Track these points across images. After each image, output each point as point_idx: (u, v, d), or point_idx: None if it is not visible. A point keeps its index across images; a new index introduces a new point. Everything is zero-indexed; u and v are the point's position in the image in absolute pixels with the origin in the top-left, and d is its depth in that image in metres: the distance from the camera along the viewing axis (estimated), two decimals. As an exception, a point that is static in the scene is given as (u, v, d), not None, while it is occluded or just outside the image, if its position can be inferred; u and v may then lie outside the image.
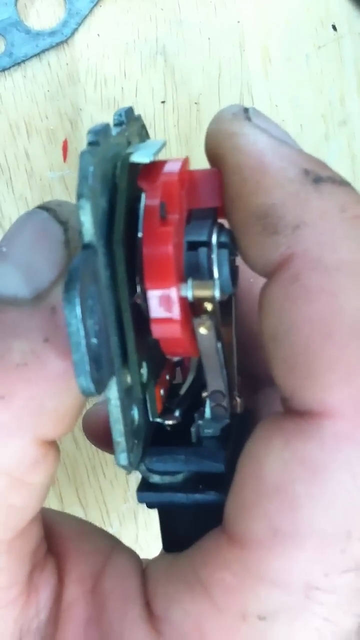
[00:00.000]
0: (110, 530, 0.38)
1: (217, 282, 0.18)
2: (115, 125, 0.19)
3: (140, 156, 0.18)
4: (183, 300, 0.18)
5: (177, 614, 0.18)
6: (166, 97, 0.40)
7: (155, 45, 0.40)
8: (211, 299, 0.18)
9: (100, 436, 0.26)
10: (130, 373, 0.18)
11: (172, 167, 0.19)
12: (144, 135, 0.21)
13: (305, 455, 0.16)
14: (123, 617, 0.19)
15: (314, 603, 0.17)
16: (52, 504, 0.43)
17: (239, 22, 0.40)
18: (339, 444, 0.16)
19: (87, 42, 0.39)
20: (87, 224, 0.16)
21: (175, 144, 0.40)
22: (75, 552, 0.21)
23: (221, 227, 0.19)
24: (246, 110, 0.19)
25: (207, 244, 0.18)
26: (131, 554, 0.21)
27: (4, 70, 0.39)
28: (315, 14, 0.40)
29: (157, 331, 0.18)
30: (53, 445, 0.18)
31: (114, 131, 0.18)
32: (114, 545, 0.22)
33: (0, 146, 0.40)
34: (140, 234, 0.18)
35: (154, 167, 0.19)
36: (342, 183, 0.18)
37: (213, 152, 0.19)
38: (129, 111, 0.20)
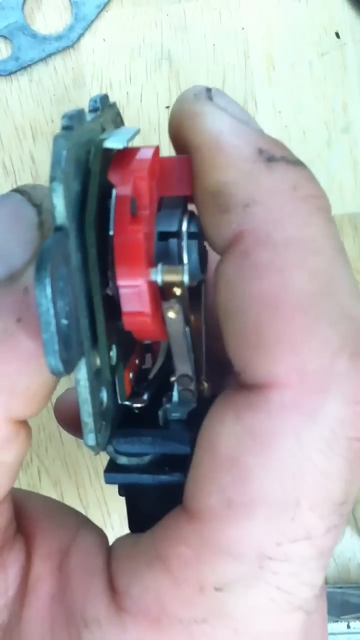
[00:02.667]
0: (111, 532, 0.39)
1: (186, 268, 0.18)
2: (90, 111, 0.19)
3: (114, 142, 0.18)
4: (153, 286, 0.18)
5: (137, 588, 0.18)
6: (171, 101, 0.40)
7: (160, 50, 0.40)
8: (180, 284, 0.18)
9: (71, 421, 0.27)
10: (100, 355, 0.19)
11: (143, 157, 0.19)
12: (118, 122, 0.21)
13: (254, 426, 0.17)
14: (86, 593, 0.19)
15: (268, 572, 0.17)
16: (54, 504, 0.43)
17: (243, 28, 0.40)
18: (285, 413, 0.17)
19: (93, 47, 0.40)
20: (59, 206, 0.17)
21: (179, 149, 0.41)
22: (43, 530, 0.21)
23: (192, 215, 0.19)
24: (209, 90, 0.19)
25: (177, 234, 0.19)
26: (98, 532, 0.21)
27: (10, 74, 0.40)
28: (319, 22, 0.40)
29: (128, 323, 0.19)
30: (24, 424, 0.19)
31: (89, 117, 0.19)
32: (81, 522, 0.22)
33: (6, 149, 0.40)
34: (111, 232, 0.18)
35: (127, 154, 0.19)
36: (297, 163, 0.18)
37: (175, 133, 0.19)
38: (104, 98, 0.20)
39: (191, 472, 0.19)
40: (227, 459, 0.17)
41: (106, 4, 0.39)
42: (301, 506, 0.17)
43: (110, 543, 0.21)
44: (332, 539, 0.18)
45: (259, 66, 0.41)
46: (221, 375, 0.25)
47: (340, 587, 0.44)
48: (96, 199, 0.18)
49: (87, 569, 0.20)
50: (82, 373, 0.18)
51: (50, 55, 0.40)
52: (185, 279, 0.18)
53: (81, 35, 0.40)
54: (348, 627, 0.41)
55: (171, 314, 0.19)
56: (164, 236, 0.19)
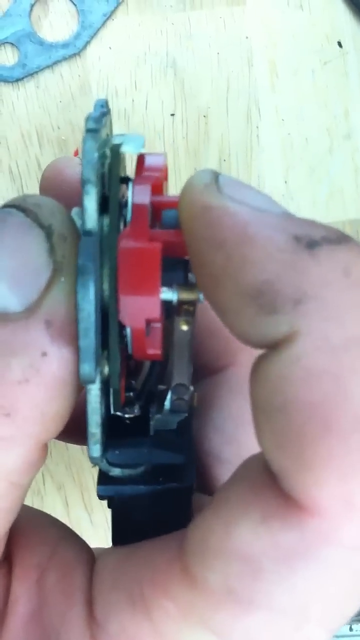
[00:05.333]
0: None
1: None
2: (102, 114, 0.19)
3: (131, 147, 0.18)
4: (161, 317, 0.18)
5: (115, 626, 0.18)
6: (175, 109, 0.41)
7: (165, 58, 0.41)
8: (194, 303, 0.18)
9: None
10: (110, 364, 0.18)
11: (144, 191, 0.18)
12: (111, 127, 0.21)
13: (280, 541, 0.16)
14: (63, 615, 0.19)
15: None
16: (58, 508, 0.43)
17: (247, 37, 0.41)
18: (320, 544, 0.15)
19: (99, 55, 0.40)
20: (91, 210, 0.16)
21: (184, 156, 0.41)
22: (21, 546, 0.20)
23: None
24: (216, 179, 0.17)
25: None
26: (80, 543, 0.21)
27: (17, 80, 0.40)
28: (322, 31, 0.41)
29: (137, 351, 0.18)
30: (46, 445, 0.19)
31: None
32: (61, 535, 0.21)
33: (13, 155, 0.41)
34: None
35: (138, 160, 0.19)
36: (340, 240, 0.16)
37: (189, 228, 0.17)
38: (107, 103, 0.19)
39: (197, 530, 0.17)
40: (240, 551, 0.16)
41: (112, 13, 0.40)
42: (310, 621, 0.16)
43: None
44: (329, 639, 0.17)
45: (263, 74, 0.41)
46: (210, 371, 0.25)
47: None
48: (117, 203, 0.18)
49: (65, 587, 0.19)
50: (96, 382, 0.18)
51: (56, 62, 0.40)
52: (201, 296, 0.18)
53: (87, 42, 0.40)
54: (350, 629, 0.42)
55: (184, 327, 0.19)
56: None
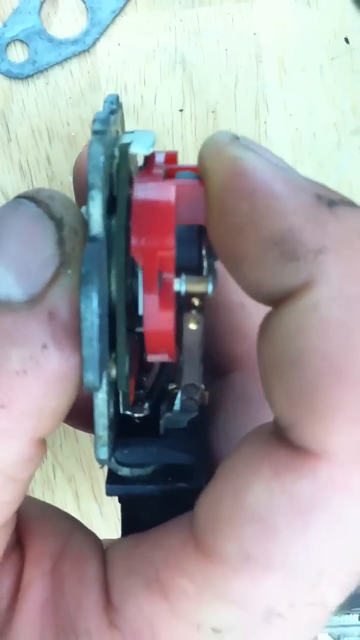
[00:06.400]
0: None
1: (210, 278, 0.18)
2: (110, 113, 0.18)
3: (140, 148, 0.17)
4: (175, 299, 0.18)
5: (132, 609, 0.18)
6: (184, 105, 0.41)
7: (174, 54, 0.41)
8: (203, 295, 0.18)
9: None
10: (117, 367, 0.18)
11: (165, 194, 0.17)
12: (123, 124, 0.20)
13: (294, 492, 0.16)
14: (79, 602, 0.19)
15: (273, 627, 0.17)
16: (69, 500, 0.44)
17: (255, 33, 0.41)
18: (333, 490, 0.16)
19: (108, 51, 0.41)
20: (96, 215, 0.16)
21: (193, 151, 0.41)
22: (34, 534, 0.21)
23: (207, 242, 0.18)
24: (237, 138, 0.18)
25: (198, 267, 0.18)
26: (92, 536, 0.21)
27: (27, 77, 0.40)
28: (329, 27, 0.41)
29: (152, 356, 0.18)
30: (43, 441, 0.18)
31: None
32: (74, 526, 0.21)
33: (23, 150, 0.41)
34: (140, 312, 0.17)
35: (147, 160, 0.18)
36: (353, 204, 0.17)
37: (215, 176, 0.17)
38: (118, 98, 0.19)
39: (208, 505, 0.18)
40: (255, 512, 0.16)
41: (121, 9, 0.40)
42: (324, 578, 0.17)
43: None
44: (342, 599, 0.17)
45: (271, 70, 0.41)
46: (215, 374, 0.25)
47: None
48: (126, 206, 0.17)
49: (80, 575, 0.19)
50: (102, 385, 0.18)
51: (66, 59, 0.40)
52: (210, 289, 0.18)
53: (97, 39, 0.40)
54: (359, 619, 0.42)
55: (192, 325, 0.18)
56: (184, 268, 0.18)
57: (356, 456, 0.16)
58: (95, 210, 0.16)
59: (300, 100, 0.42)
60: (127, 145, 0.17)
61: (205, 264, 0.18)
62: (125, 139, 0.18)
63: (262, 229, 0.16)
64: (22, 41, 0.40)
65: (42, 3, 0.40)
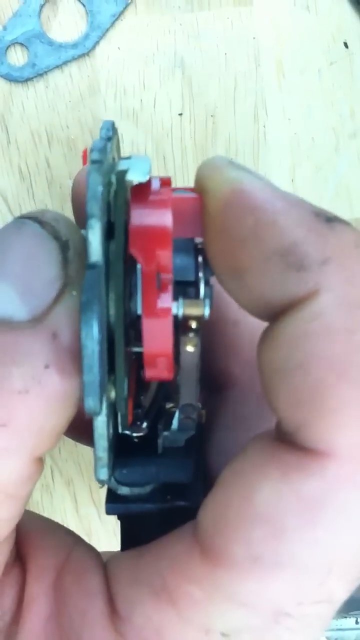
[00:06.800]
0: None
1: (207, 301, 0.18)
2: (106, 140, 0.19)
3: (136, 175, 0.18)
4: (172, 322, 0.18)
5: (139, 618, 0.18)
6: (183, 108, 0.41)
7: (173, 58, 0.41)
8: (199, 318, 0.18)
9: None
10: (117, 390, 0.18)
11: (161, 218, 0.18)
12: (119, 148, 0.21)
13: (303, 491, 0.16)
14: (84, 614, 0.19)
15: (282, 628, 0.17)
16: (67, 504, 0.44)
17: (254, 37, 0.41)
18: (340, 486, 0.16)
19: (107, 54, 0.41)
20: (95, 243, 0.16)
21: (192, 155, 0.41)
22: (36, 549, 0.21)
23: (200, 253, 0.19)
24: (232, 162, 0.19)
25: (195, 283, 0.18)
26: (92, 550, 0.21)
27: (27, 80, 0.40)
28: (328, 31, 0.41)
29: (150, 375, 0.18)
30: (42, 458, 0.19)
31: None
32: (75, 541, 0.21)
33: (22, 154, 0.41)
34: (139, 311, 0.18)
35: (142, 186, 0.19)
36: (346, 222, 0.18)
37: (217, 195, 0.18)
38: (113, 125, 0.19)
39: (212, 510, 0.18)
40: (263, 513, 0.17)
41: (121, 13, 0.40)
42: (332, 574, 0.17)
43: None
44: (347, 596, 0.18)
45: (270, 74, 0.42)
46: (211, 391, 0.25)
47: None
48: (123, 234, 0.17)
49: (84, 588, 0.19)
50: (102, 408, 0.18)
51: (66, 62, 0.40)
52: (207, 312, 0.18)
53: (96, 43, 0.40)
54: (357, 622, 0.42)
55: (189, 348, 0.18)
56: (181, 283, 0.18)
57: None
58: (94, 238, 0.16)
59: (299, 104, 0.42)
60: (124, 172, 0.18)
61: (201, 276, 0.19)
62: (121, 166, 0.18)
63: (267, 241, 0.17)
64: (22, 44, 0.40)
65: (42, 6, 0.40)
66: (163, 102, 0.41)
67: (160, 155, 0.41)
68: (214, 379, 0.25)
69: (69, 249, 0.18)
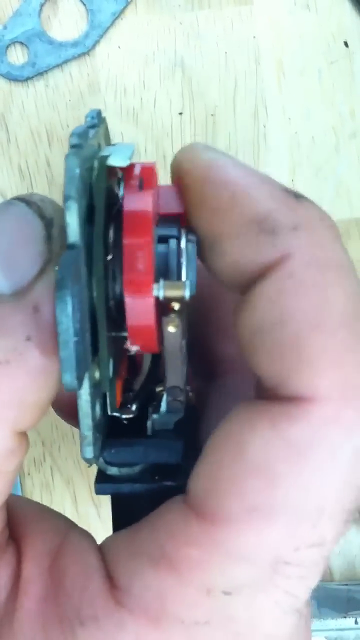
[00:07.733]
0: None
1: (187, 283, 0.18)
2: (89, 127, 0.19)
3: (117, 160, 0.18)
4: (155, 302, 0.18)
5: (139, 587, 0.18)
6: (184, 108, 0.41)
7: (173, 57, 0.41)
8: (181, 299, 0.18)
9: (66, 407, 0.26)
10: (100, 370, 0.19)
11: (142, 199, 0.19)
12: (108, 137, 0.21)
13: (291, 436, 0.17)
14: (83, 590, 0.19)
15: (280, 576, 0.18)
16: (67, 502, 0.44)
17: (254, 37, 0.41)
18: (325, 426, 0.17)
19: (108, 54, 0.41)
20: (73, 224, 0.17)
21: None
22: (32, 533, 0.21)
23: (188, 228, 0.20)
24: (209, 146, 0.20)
25: (177, 238, 0.19)
26: (87, 534, 0.21)
27: (27, 79, 0.40)
28: (328, 31, 0.41)
29: (133, 337, 0.19)
30: (25, 434, 0.19)
31: (90, 133, 0.19)
32: (70, 525, 0.22)
33: (22, 153, 0.41)
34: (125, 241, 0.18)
35: (126, 170, 0.19)
36: (312, 200, 0.20)
37: (195, 173, 0.19)
38: (100, 114, 0.20)
39: (203, 474, 0.18)
40: (256, 464, 0.17)
41: (121, 12, 0.40)
42: (323, 515, 0.17)
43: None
44: (336, 542, 0.18)
45: (270, 74, 0.42)
46: (207, 377, 0.25)
47: (346, 584, 0.45)
48: (103, 216, 0.18)
49: (82, 567, 0.20)
50: (85, 387, 0.18)
51: (66, 61, 0.40)
52: (187, 294, 0.18)
53: (96, 42, 0.40)
54: (356, 622, 0.42)
55: (171, 328, 0.19)
56: (164, 239, 0.19)
57: (343, 392, 0.17)
58: (72, 219, 0.17)
59: (299, 104, 0.42)
60: (106, 157, 0.18)
61: (183, 261, 0.19)
62: (105, 152, 0.19)
63: (243, 210, 0.18)
64: (22, 43, 0.40)
65: (42, 5, 0.40)
66: (163, 101, 0.41)
67: (160, 154, 0.41)
68: (211, 365, 0.25)
69: (53, 227, 0.19)
